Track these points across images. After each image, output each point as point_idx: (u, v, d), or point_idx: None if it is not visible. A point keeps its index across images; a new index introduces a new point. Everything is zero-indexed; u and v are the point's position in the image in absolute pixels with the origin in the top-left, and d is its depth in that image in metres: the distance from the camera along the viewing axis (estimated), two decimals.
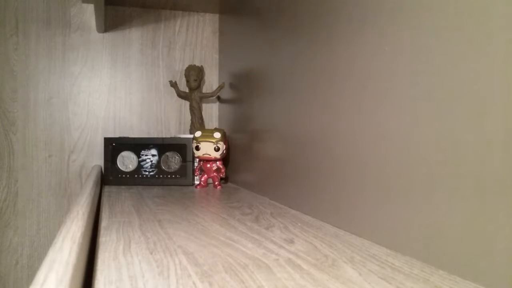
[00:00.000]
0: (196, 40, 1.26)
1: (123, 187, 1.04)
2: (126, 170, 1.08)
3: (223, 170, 1.05)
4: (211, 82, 1.28)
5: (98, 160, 1.18)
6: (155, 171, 1.08)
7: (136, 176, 1.08)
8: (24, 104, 1.13)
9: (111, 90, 1.20)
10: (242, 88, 1.04)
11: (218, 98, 1.27)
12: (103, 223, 0.61)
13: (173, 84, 1.22)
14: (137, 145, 1.09)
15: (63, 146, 1.15)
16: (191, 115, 1.22)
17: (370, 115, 0.53)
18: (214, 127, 1.27)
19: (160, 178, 1.08)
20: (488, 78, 0.36)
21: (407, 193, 0.46)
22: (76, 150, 1.17)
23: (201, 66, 1.24)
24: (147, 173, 1.08)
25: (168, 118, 1.24)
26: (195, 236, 0.55)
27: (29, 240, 1.12)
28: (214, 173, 1.04)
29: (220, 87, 1.17)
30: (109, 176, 1.07)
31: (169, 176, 1.08)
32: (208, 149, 1.03)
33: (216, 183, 1.04)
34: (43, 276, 0.30)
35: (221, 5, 1.20)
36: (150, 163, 1.08)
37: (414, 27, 0.45)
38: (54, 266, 0.32)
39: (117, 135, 1.20)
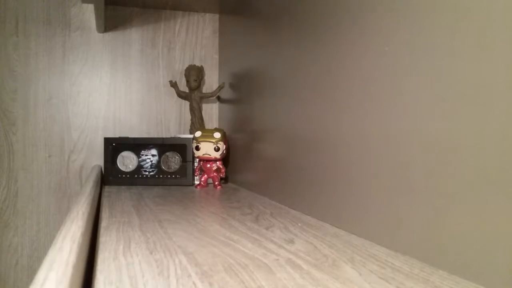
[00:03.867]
0: (196, 40, 1.26)
1: (123, 187, 1.04)
2: (126, 170, 1.08)
3: (223, 170, 1.05)
4: (211, 82, 1.28)
5: (98, 160, 1.18)
6: (155, 171, 1.08)
7: (136, 176, 1.08)
8: (24, 104, 1.13)
9: (111, 90, 1.20)
10: (242, 88, 1.04)
11: (218, 98, 1.27)
12: (103, 223, 0.61)
13: (173, 84, 1.22)
14: (137, 145, 1.09)
15: (63, 146, 1.15)
16: (191, 115, 1.22)
17: (370, 116, 0.52)
18: (214, 127, 1.27)
19: (160, 178, 1.08)
20: (489, 77, 0.36)
21: (407, 193, 0.46)
22: (76, 150, 1.16)
23: (201, 66, 1.24)
24: (147, 173, 1.08)
25: (168, 118, 1.24)
26: (195, 236, 0.55)
27: (29, 240, 1.12)
28: (214, 173, 1.04)
29: (220, 87, 1.17)
30: (109, 176, 1.07)
31: (169, 176, 1.08)
32: (208, 149, 1.03)
33: (216, 183, 1.04)
34: (43, 276, 0.30)
35: (221, 5, 1.20)
36: (150, 163, 1.08)
37: (414, 27, 0.45)
38: (54, 266, 0.32)
39: (117, 135, 1.20)
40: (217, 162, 1.05)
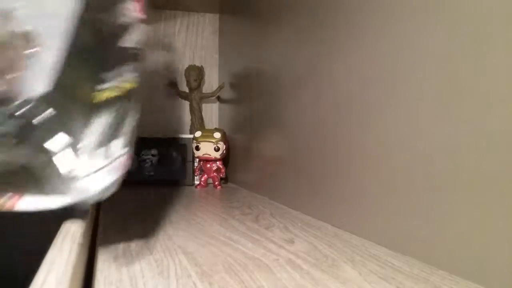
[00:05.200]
0: (196, 40, 1.26)
1: (123, 187, 1.04)
2: None
3: (223, 170, 1.05)
4: (211, 82, 1.28)
5: None
6: (155, 171, 1.08)
7: (136, 176, 1.08)
8: None
9: None
10: (242, 88, 1.04)
11: (218, 98, 1.27)
12: (103, 223, 0.61)
13: (173, 84, 1.22)
14: (137, 145, 1.09)
15: None
16: (191, 115, 1.22)
17: (370, 116, 0.52)
18: (214, 127, 1.27)
19: (160, 178, 1.08)
20: (489, 78, 0.36)
21: (407, 193, 0.46)
22: None
23: (201, 66, 1.24)
24: (147, 173, 1.08)
25: (168, 118, 1.24)
26: (195, 236, 0.55)
27: (29, 240, 1.12)
28: (214, 173, 1.04)
29: (220, 87, 1.17)
30: None
31: (169, 176, 1.08)
32: (208, 149, 1.03)
33: (216, 183, 1.04)
34: (42, 276, 0.30)
35: (221, 5, 1.20)
36: (150, 163, 1.08)
37: (414, 26, 0.45)
38: (54, 266, 0.32)
39: None
40: (217, 162, 1.05)
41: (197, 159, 1.06)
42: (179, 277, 0.39)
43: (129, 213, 0.70)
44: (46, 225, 1.06)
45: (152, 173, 1.08)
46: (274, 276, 0.40)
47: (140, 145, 1.08)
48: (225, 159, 1.14)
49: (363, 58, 0.54)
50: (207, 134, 1.04)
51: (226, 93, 1.18)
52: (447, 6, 0.41)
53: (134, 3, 0.44)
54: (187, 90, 1.22)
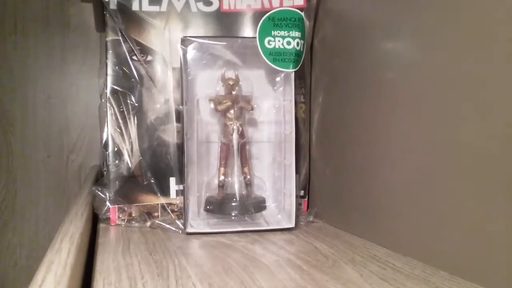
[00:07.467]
0: None
1: None
2: None
3: None
4: None
5: (97, 160, 1.17)
6: None
7: None
8: (23, 104, 1.12)
9: None
10: None
11: None
12: (102, 223, 0.61)
13: None
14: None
15: (62, 146, 1.15)
16: None
17: (369, 116, 0.52)
18: None
19: None
20: (489, 78, 0.36)
21: (407, 193, 0.46)
22: (75, 150, 1.16)
23: None
24: None
25: None
26: (194, 236, 0.54)
27: (27, 241, 1.12)
28: None
29: None
30: None
31: None
32: None
33: None
34: (41, 277, 0.30)
35: None
36: None
37: (415, 25, 0.45)
38: (52, 267, 0.31)
39: None
40: None
41: None
42: (179, 278, 0.39)
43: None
44: (46, 225, 1.06)
45: None
46: (274, 277, 0.39)
47: None
48: None
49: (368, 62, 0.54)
50: None
51: None
52: (448, 6, 0.41)
53: None
54: None
